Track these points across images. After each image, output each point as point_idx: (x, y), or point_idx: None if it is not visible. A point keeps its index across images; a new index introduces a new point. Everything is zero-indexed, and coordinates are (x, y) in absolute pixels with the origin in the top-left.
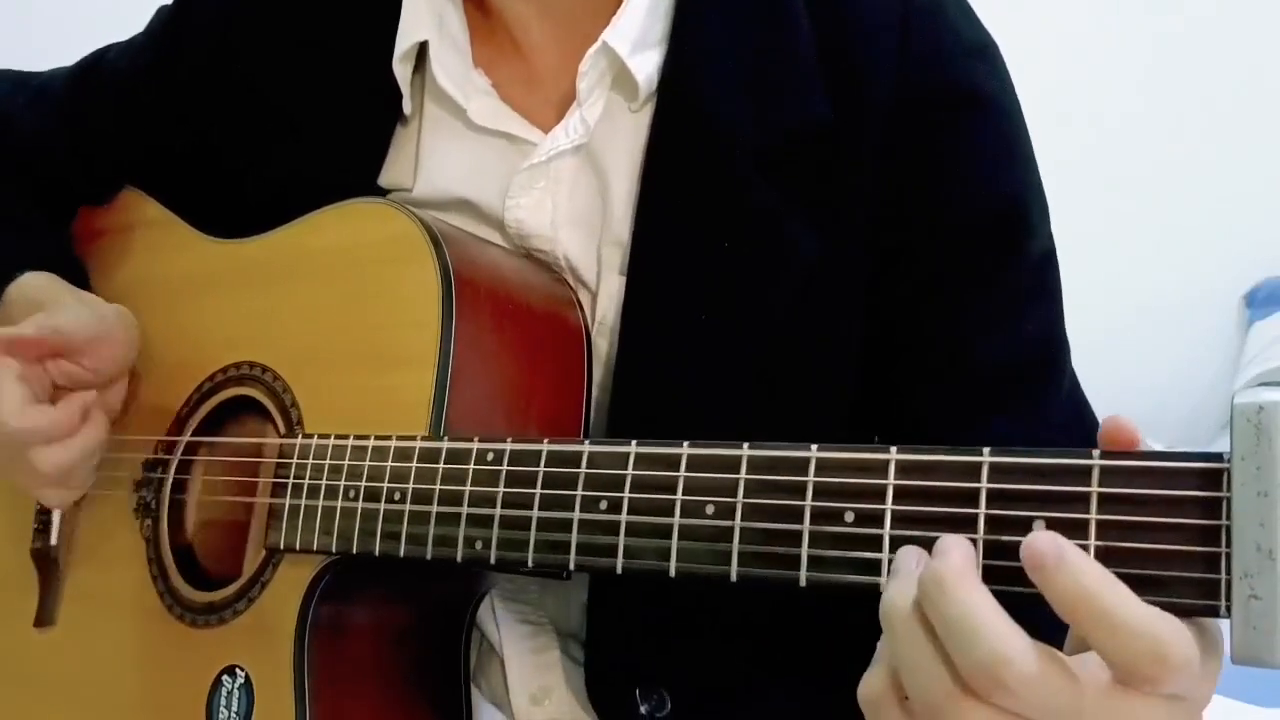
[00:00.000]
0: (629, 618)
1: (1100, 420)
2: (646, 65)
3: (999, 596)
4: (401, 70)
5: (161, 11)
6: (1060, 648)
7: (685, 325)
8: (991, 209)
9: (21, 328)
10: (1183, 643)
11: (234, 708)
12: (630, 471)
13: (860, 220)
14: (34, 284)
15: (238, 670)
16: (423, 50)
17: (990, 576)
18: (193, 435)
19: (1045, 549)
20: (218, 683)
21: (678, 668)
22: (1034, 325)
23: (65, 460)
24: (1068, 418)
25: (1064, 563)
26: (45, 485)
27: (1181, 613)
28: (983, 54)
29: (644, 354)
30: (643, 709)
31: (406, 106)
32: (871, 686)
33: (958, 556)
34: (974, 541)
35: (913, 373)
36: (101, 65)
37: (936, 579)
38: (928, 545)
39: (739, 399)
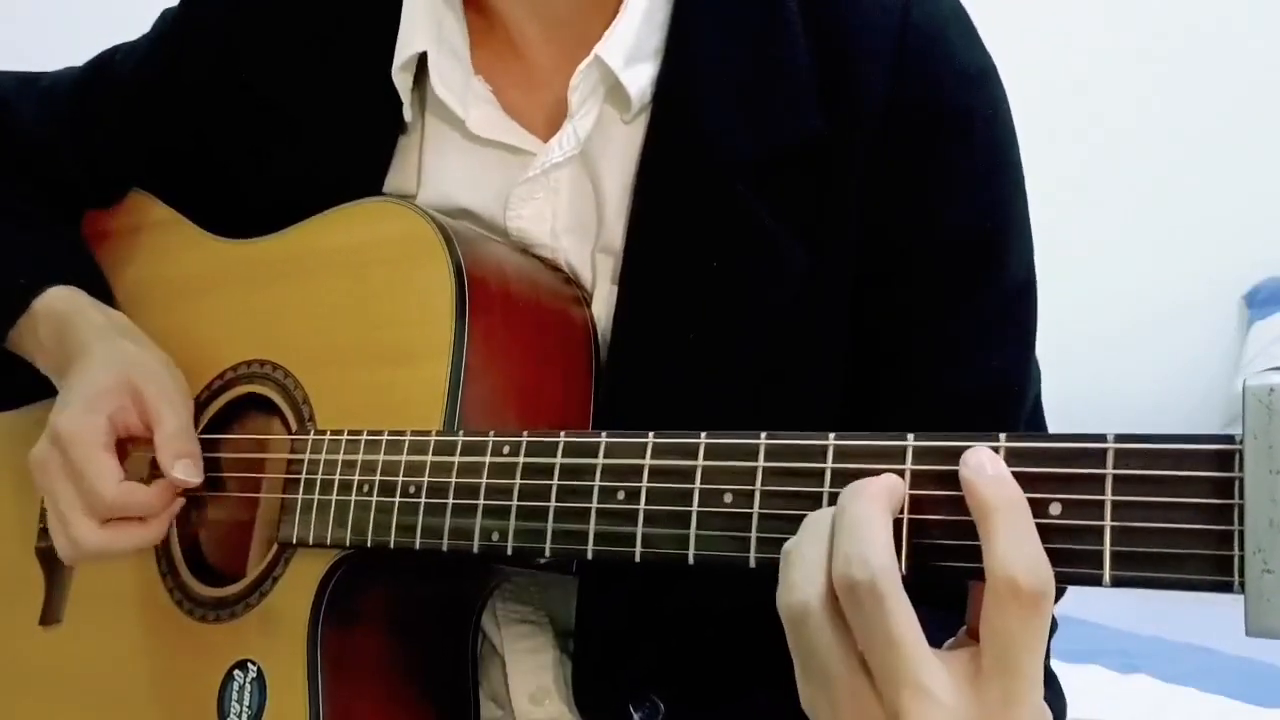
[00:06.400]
0: (618, 627)
1: None
2: (640, 78)
3: None
4: (402, 80)
5: (167, 14)
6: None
7: (673, 340)
8: (967, 238)
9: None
10: (1040, 579)
11: (246, 701)
12: (648, 461)
13: (848, 238)
14: (60, 297)
15: (249, 664)
16: (423, 59)
17: None
18: (203, 433)
19: (984, 460)
20: (229, 677)
21: (669, 675)
22: (998, 358)
23: (124, 547)
24: None
25: (1000, 480)
26: (77, 550)
27: (1196, 589)
28: (978, 78)
29: (633, 366)
30: (636, 717)
31: (407, 115)
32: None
33: (885, 481)
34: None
35: (882, 394)
36: (108, 67)
37: (856, 485)
38: (946, 529)
39: (726, 414)
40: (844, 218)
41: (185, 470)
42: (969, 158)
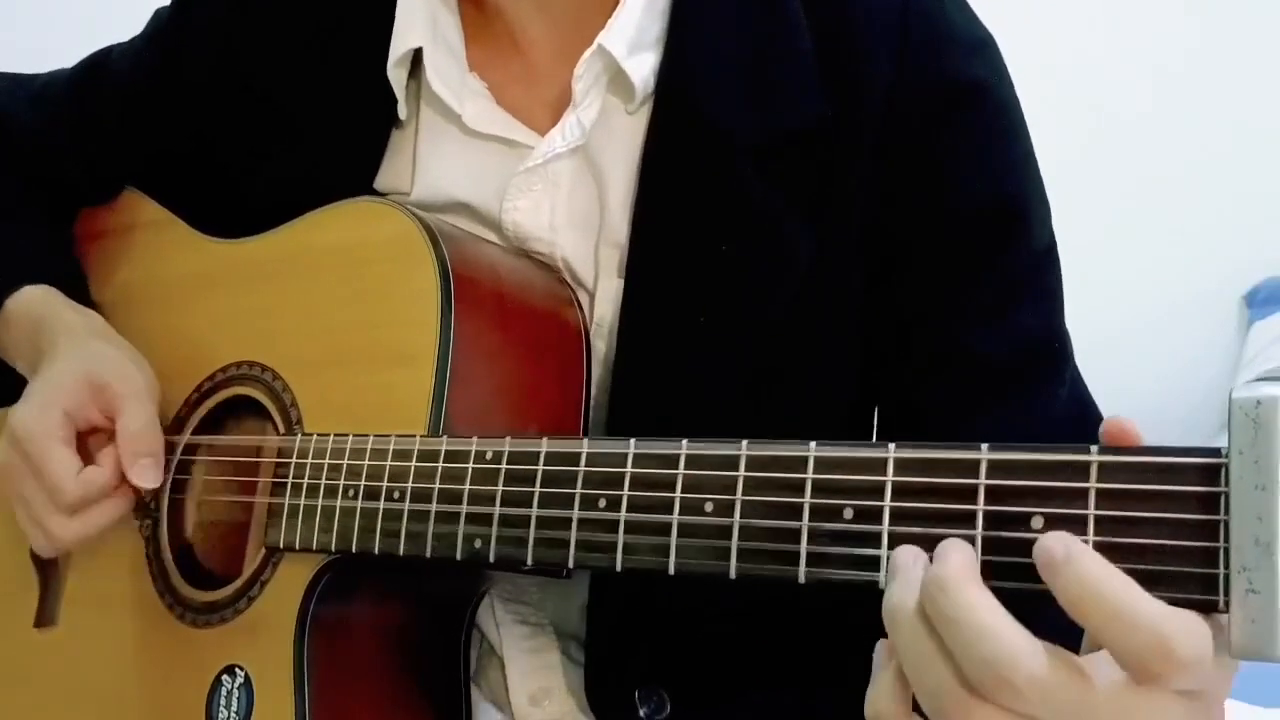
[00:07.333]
0: (628, 620)
1: (1104, 419)
2: (643, 67)
3: (1000, 592)
4: (396, 75)
5: (160, 13)
6: (1076, 651)
7: (683, 328)
8: (988, 204)
9: (126, 417)
10: (1192, 638)
11: (234, 707)
12: (629, 470)
13: (857, 217)
14: (35, 298)
15: (237, 670)
16: (419, 55)
17: (990, 572)
18: (192, 435)
19: (1054, 547)
20: (217, 682)
21: (677, 669)
22: (1033, 321)
23: (98, 528)
24: (1069, 414)
25: (1072, 560)
26: (55, 545)
27: (1179, 607)
28: (981, 49)
29: (642, 356)
30: (642, 711)
31: (402, 111)
32: (877, 697)
33: (957, 558)
34: (973, 539)
35: (911, 367)
36: (103, 67)
37: (938, 581)
38: (927, 542)
39: (738, 400)
40: (853, 197)
41: (143, 473)
42: (982, 127)
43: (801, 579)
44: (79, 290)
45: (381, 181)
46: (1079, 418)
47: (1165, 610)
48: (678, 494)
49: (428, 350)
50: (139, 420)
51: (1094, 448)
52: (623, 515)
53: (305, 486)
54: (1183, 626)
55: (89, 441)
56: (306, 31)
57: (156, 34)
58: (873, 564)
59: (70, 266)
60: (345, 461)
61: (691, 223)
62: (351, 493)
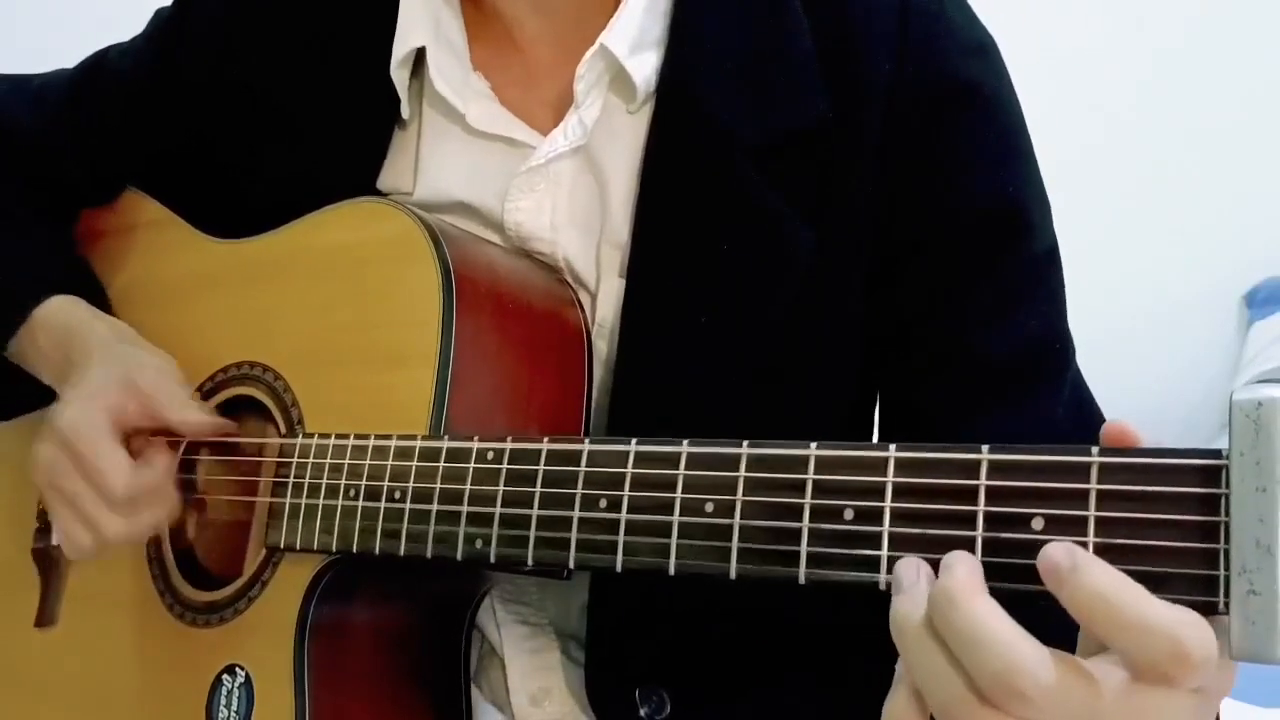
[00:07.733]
0: (629, 620)
1: (1106, 421)
2: (644, 67)
3: (1000, 593)
4: (399, 75)
5: (161, 13)
6: (1071, 649)
7: (685, 328)
8: (990, 205)
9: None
10: (1202, 639)
11: (234, 707)
12: (630, 470)
13: (859, 217)
14: (62, 306)
15: (238, 669)
16: (421, 54)
17: (990, 573)
18: None
19: (1060, 557)
20: (218, 682)
21: (677, 669)
22: (1036, 321)
23: (145, 530)
24: (1070, 415)
25: (1079, 569)
26: (101, 542)
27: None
28: (981, 51)
29: (644, 357)
30: (642, 711)
31: (405, 111)
32: (894, 708)
33: (963, 570)
34: (973, 540)
35: (912, 367)
36: (102, 67)
37: (947, 594)
38: (927, 543)
39: (739, 401)
40: (854, 197)
41: (196, 414)
42: (983, 129)
43: (802, 580)
44: (96, 295)
45: (384, 181)
46: (1080, 419)
47: (1175, 614)
48: (678, 494)
49: (429, 350)
50: (176, 397)
51: (1095, 449)
52: (623, 516)
53: (306, 486)
54: (1193, 629)
55: (130, 444)
56: (307, 31)
57: (156, 34)
58: (873, 565)
59: (86, 273)
60: (346, 461)
61: (692, 223)
62: (352, 493)
